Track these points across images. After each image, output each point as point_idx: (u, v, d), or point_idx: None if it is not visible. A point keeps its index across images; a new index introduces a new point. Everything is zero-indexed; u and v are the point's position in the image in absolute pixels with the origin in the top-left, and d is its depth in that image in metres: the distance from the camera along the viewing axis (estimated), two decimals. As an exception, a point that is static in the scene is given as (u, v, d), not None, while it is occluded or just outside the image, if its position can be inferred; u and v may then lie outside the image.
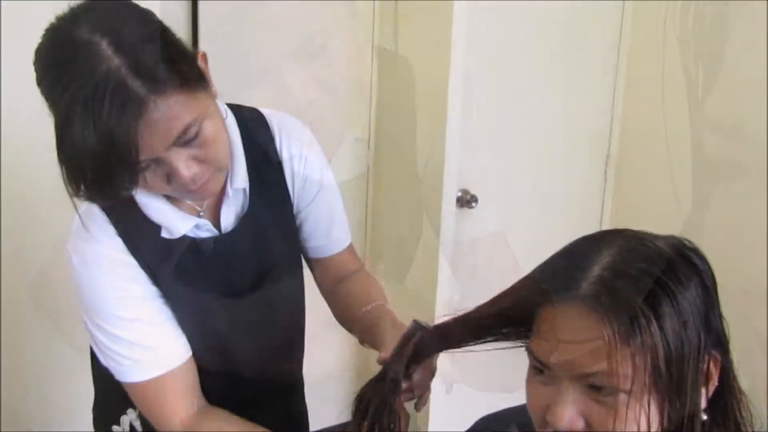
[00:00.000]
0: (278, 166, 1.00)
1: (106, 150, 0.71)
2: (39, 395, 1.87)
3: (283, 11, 2.01)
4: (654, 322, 0.57)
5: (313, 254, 1.12)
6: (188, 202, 0.92)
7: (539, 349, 0.63)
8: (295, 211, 1.05)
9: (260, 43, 2.01)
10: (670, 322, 0.58)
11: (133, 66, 0.71)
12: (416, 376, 0.86)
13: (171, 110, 0.74)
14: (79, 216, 0.86)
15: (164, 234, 0.90)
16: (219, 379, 1.00)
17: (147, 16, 0.78)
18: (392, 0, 2.12)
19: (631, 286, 0.58)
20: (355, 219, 2.34)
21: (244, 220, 0.96)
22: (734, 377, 0.64)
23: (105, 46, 0.71)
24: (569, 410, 0.60)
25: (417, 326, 0.82)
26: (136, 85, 0.71)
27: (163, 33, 0.77)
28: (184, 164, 0.78)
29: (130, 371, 0.89)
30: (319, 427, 2.20)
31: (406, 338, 0.82)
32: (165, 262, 0.90)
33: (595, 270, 0.60)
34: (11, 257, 1.74)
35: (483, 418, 0.85)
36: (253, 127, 0.99)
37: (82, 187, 0.74)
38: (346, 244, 1.14)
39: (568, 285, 0.61)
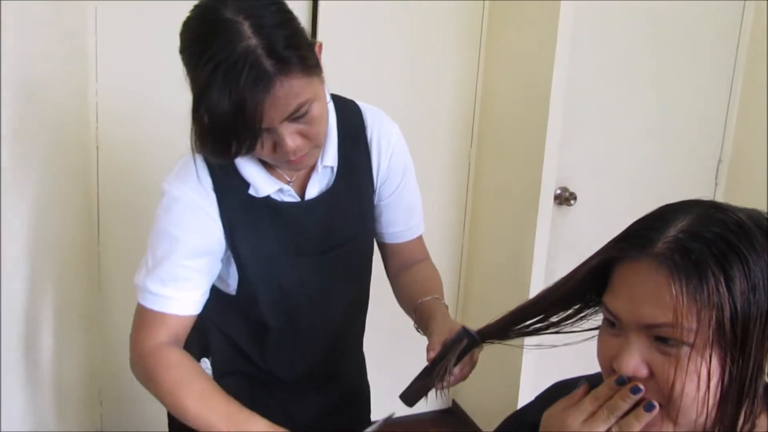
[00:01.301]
0: (366, 154, 1.11)
1: (237, 116, 0.83)
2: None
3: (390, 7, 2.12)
4: (723, 282, 0.60)
5: (388, 239, 1.21)
6: (281, 170, 1.02)
7: (612, 301, 0.67)
8: (377, 199, 1.15)
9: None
10: (740, 284, 0.60)
11: (267, 47, 0.83)
12: (457, 369, 0.96)
13: (292, 89, 0.86)
14: (185, 161, 1.00)
15: (251, 191, 1.01)
16: (281, 337, 1.11)
17: (282, 5, 0.90)
18: (501, 0, 2.17)
19: (703, 247, 0.61)
20: (455, 212, 2.41)
21: (327, 193, 1.07)
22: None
23: (246, 27, 0.83)
24: (635, 358, 0.64)
25: (464, 333, 0.93)
26: (268, 64, 0.82)
27: (293, 22, 0.89)
28: (290, 137, 0.90)
29: (142, 295, 1.00)
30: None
31: (453, 342, 0.94)
32: (245, 214, 1.01)
33: (672, 231, 0.64)
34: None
35: (556, 383, 0.90)
36: (349, 114, 1.10)
37: (209, 143, 0.87)
38: (419, 233, 1.23)
39: (644, 244, 0.65)
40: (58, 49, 1.61)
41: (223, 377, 1.09)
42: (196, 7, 0.88)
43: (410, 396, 0.95)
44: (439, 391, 0.96)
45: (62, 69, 1.66)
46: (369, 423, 1.33)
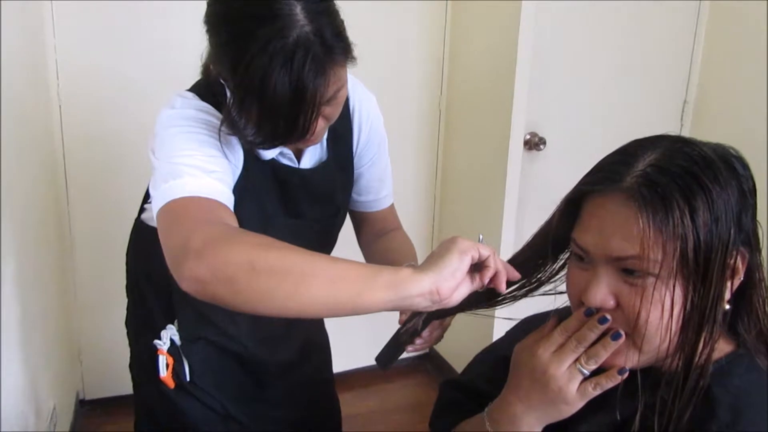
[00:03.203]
0: (348, 123, 1.10)
1: (296, 103, 0.82)
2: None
3: None
4: (687, 214, 0.62)
5: (361, 208, 1.22)
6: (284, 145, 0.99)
7: (581, 235, 0.69)
8: (354, 166, 1.15)
9: None
10: (703, 216, 0.62)
11: (320, 34, 0.81)
12: (426, 333, 0.96)
13: (337, 76, 0.86)
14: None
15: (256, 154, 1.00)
16: None
17: None
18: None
19: (669, 181, 0.63)
20: (426, 161, 2.42)
21: (321, 166, 1.07)
22: (761, 275, 0.69)
23: (299, 10, 0.80)
24: (602, 290, 0.67)
25: None
26: (320, 51, 0.81)
27: (334, 6, 0.87)
28: (317, 121, 0.88)
29: (179, 188, 0.81)
30: (345, 369, 2.36)
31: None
32: (250, 171, 0.99)
33: (640, 166, 0.66)
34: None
35: (526, 317, 0.93)
36: None
37: (262, 128, 0.84)
38: (391, 202, 1.24)
39: (613, 178, 0.66)
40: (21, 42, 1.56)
41: (189, 342, 1.08)
42: None
43: (384, 359, 0.97)
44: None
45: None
46: (331, 371, 1.35)
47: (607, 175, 0.68)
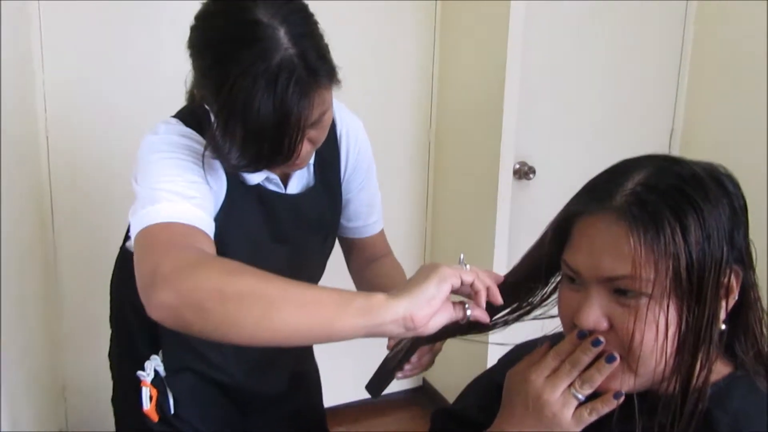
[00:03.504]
0: (336, 149, 1.10)
1: (280, 127, 0.81)
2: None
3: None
4: (679, 232, 0.61)
5: (350, 234, 1.20)
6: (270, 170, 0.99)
7: (572, 256, 0.68)
8: (343, 191, 1.14)
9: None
10: (695, 234, 0.61)
11: (303, 57, 0.81)
12: (415, 358, 0.94)
13: (321, 99, 0.85)
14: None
15: (241, 179, 0.99)
16: None
17: (308, 12, 0.87)
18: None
19: (659, 199, 0.63)
20: (417, 193, 2.42)
21: (308, 191, 1.06)
22: (757, 295, 0.68)
23: (282, 34, 0.80)
24: (595, 311, 0.65)
25: None
26: (304, 74, 0.81)
27: (318, 29, 0.87)
28: (304, 143, 0.87)
29: (155, 213, 0.79)
30: (334, 403, 2.32)
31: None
32: (236, 197, 0.97)
33: (629, 185, 0.65)
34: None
35: (519, 344, 0.91)
36: None
37: (244, 152, 0.83)
38: (380, 228, 1.23)
39: (603, 198, 0.66)
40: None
41: (174, 373, 1.06)
42: (218, 2, 0.83)
43: (374, 386, 0.95)
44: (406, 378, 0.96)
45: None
46: (321, 403, 1.32)
47: (597, 195, 0.67)
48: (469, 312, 0.74)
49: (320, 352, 1.34)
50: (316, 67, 0.82)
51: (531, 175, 2.16)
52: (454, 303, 0.73)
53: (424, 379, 2.60)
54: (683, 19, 2.30)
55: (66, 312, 2.04)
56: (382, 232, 1.23)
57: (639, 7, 2.23)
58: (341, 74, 0.89)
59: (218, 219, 0.95)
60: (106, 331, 1.19)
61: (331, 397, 1.34)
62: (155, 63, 1.93)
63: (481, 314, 0.75)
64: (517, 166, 2.15)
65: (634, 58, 2.28)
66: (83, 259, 2.01)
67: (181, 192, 0.83)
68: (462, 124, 2.23)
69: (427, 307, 0.68)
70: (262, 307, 0.66)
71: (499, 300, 0.76)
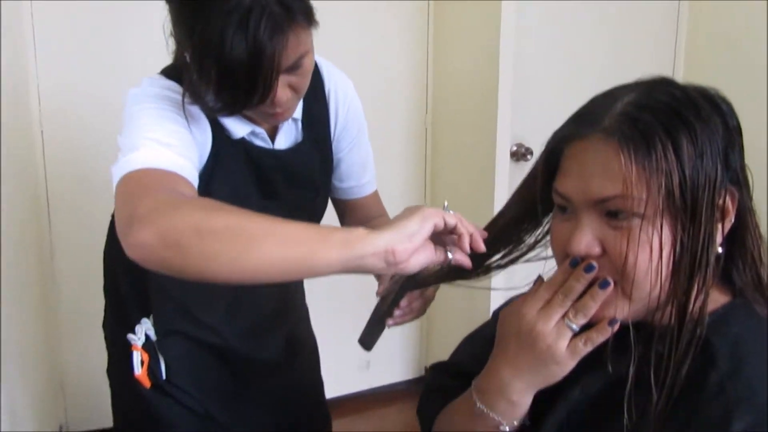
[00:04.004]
0: (325, 107, 1.08)
1: (254, 66, 0.79)
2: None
3: None
4: (671, 149, 0.60)
5: (344, 195, 1.19)
6: (256, 124, 0.98)
7: (562, 182, 0.66)
8: (334, 151, 1.13)
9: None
10: (687, 151, 0.60)
11: None
12: (405, 302, 0.91)
13: (298, 39, 0.84)
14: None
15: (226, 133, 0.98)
16: (233, 289, 1.00)
17: None
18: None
19: (650, 117, 0.61)
20: (414, 179, 2.41)
21: (296, 147, 1.04)
22: (753, 217, 0.66)
23: None
24: (587, 236, 0.63)
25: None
26: (277, 10, 0.79)
27: None
28: (282, 89, 0.87)
29: (134, 160, 0.79)
30: (337, 394, 2.30)
31: (396, 282, 0.89)
32: (221, 153, 0.96)
33: (619, 106, 0.63)
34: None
35: (511, 297, 0.89)
36: None
37: (218, 94, 0.82)
38: (374, 189, 1.22)
39: (593, 120, 0.64)
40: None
41: (165, 337, 1.04)
42: None
43: (367, 339, 0.92)
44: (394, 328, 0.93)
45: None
46: (319, 376, 1.30)
47: (586, 119, 0.65)
48: (450, 255, 0.73)
49: (322, 344, 1.33)
50: (290, 4, 0.80)
51: (528, 157, 2.14)
52: (436, 246, 0.72)
53: (425, 369, 2.57)
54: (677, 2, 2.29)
55: (62, 305, 2.03)
56: (376, 193, 1.22)
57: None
58: (318, 17, 0.87)
59: (204, 175, 0.94)
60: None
61: (333, 388, 1.31)
62: (150, 55, 1.92)
63: (462, 258, 0.75)
64: (514, 148, 2.14)
65: (629, 38, 2.27)
66: (79, 249, 1.99)
67: (161, 140, 0.82)
68: (458, 108, 2.21)
69: (408, 243, 0.67)
70: (240, 243, 0.65)
71: (481, 247, 0.75)
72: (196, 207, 0.69)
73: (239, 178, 0.99)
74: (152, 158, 0.79)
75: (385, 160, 2.14)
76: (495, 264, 0.79)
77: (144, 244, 0.66)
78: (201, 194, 0.94)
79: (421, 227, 0.68)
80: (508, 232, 0.77)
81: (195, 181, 0.84)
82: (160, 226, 0.66)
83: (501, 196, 2.04)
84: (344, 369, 1.96)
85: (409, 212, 0.70)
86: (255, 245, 0.65)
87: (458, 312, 2.29)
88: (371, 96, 2.25)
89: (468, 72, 2.13)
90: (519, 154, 2.14)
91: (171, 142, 0.83)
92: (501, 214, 0.78)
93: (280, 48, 0.80)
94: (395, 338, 2.51)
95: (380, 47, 2.24)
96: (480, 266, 0.79)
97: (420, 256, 0.69)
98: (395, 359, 2.53)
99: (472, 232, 0.74)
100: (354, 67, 2.24)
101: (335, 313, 2.00)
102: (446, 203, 0.79)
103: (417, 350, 2.58)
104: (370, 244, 0.66)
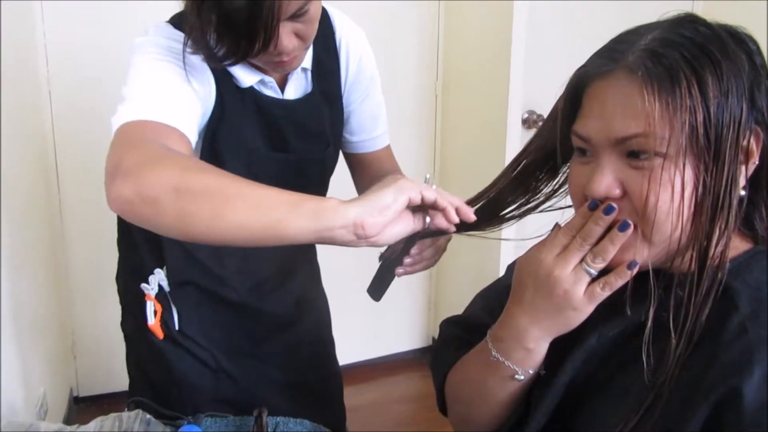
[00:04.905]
0: (335, 57, 1.06)
1: (254, 12, 0.78)
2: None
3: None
4: (695, 85, 0.58)
5: (355, 149, 1.17)
6: (266, 73, 0.96)
7: (582, 123, 0.64)
8: (344, 103, 1.10)
9: None
10: (712, 88, 0.58)
11: None
12: (415, 250, 0.90)
13: None
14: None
15: (235, 82, 0.96)
16: None
17: None
18: None
19: (675, 52, 0.59)
20: (424, 147, 2.39)
21: (306, 97, 1.02)
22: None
23: None
24: (607, 177, 0.62)
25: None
26: None
27: None
28: (287, 36, 0.85)
29: (130, 112, 0.79)
30: (344, 363, 2.28)
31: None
32: (229, 102, 0.95)
33: (642, 42, 0.61)
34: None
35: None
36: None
37: (219, 42, 0.80)
38: (387, 143, 1.19)
39: (616, 57, 0.62)
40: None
41: (178, 287, 1.04)
42: None
43: (375, 288, 0.91)
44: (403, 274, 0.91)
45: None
46: (330, 335, 1.29)
47: (609, 55, 0.63)
48: (428, 220, 0.72)
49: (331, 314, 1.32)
50: None
51: (539, 124, 2.11)
52: (414, 213, 0.71)
53: (433, 339, 2.58)
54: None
55: (72, 267, 2.03)
56: (388, 148, 1.19)
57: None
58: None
59: (211, 126, 0.92)
60: (113, 285, 1.17)
61: (341, 357, 1.31)
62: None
63: (442, 222, 0.73)
64: (526, 115, 2.11)
65: (644, 6, 2.22)
66: (88, 206, 1.97)
67: (159, 92, 0.82)
68: (468, 74, 2.19)
69: (379, 216, 0.65)
70: (215, 205, 0.65)
71: (471, 217, 0.73)
72: (178, 165, 0.68)
73: (247, 130, 0.97)
74: (147, 110, 0.79)
75: (395, 127, 2.11)
76: (510, 214, 0.78)
77: (123, 198, 0.67)
78: (207, 147, 0.94)
79: (394, 200, 0.66)
80: (524, 181, 0.75)
81: (192, 135, 0.83)
82: (139, 182, 0.66)
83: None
84: (352, 338, 1.96)
85: (384, 183, 0.68)
86: (229, 208, 0.65)
87: (466, 282, 2.29)
88: (381, 60, 2.21)
89: (479, 38, 2.10)
90: (530, 121, 2.12)
91: (171, 94, 0.82)
92: (516, 161, 0.76)
93: None
94: (403, 308, 2.51)
95: (390, 10, 2.20)
96: (494, 217, 0.78)
97: (394, 229, 0.68)
98: (403, 329, 2.54)
99: (458, 205, 0.72)
100: (363, 31, 2.22)
101: (344, 279, 1.99)
102: (428, 176, 0.78)
103: (425, 320, 2.58)
104: (339, 216, 0.64)
